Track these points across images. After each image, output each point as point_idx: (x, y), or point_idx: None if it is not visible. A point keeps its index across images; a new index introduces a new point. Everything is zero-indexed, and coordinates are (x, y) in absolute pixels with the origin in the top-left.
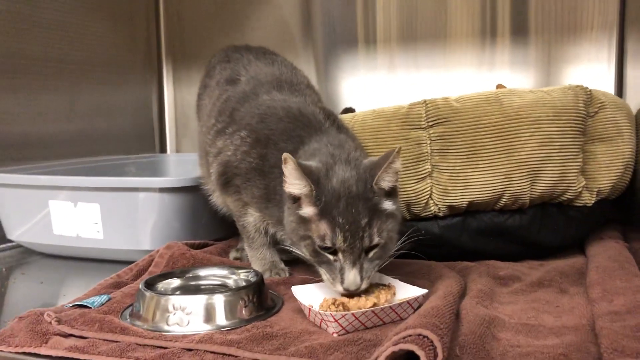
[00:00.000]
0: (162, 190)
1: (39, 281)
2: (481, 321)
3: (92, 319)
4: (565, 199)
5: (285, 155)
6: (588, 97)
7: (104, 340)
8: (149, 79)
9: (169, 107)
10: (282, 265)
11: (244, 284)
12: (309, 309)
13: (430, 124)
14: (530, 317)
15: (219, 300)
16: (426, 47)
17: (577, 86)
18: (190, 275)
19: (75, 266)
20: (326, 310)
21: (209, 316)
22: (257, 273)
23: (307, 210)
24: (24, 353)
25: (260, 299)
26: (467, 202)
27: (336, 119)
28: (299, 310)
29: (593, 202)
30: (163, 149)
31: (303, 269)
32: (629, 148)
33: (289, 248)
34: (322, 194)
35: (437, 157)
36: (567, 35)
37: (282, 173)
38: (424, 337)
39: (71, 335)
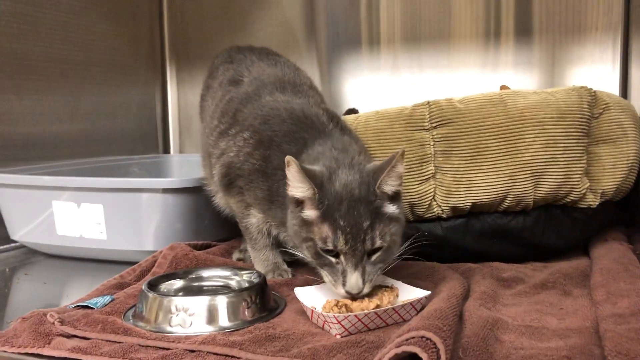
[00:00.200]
0: (166, 191)
1: (42, 282)
2: (484, 323)
3: (95, 320)
4: (569, 200)
5: (288, 158)
6: (592, 99)
7: (107, 341)
8: (153, 80)
9: (172, 108)
10: (285, 266)
11: (246, 285)
12: (312, 310)
13: (433, 125)
14: (534, 319)
15: (221, 301)
16: (430, 48)
17: (582, 87)
18: (193, 276)
19: (78, 267)
20: (329, 312)
21: (211, 317)
22: (259, 274)
23: (310, 212)
24: (27, 354)
25: (263, 300)
26: (470, 204)
27: (340, 120)
28: (302, 311)
29: (597, 203)
30: (166, 150)
31: (306, 270)
32: (634, 149)
33: (292, 250)
34: (324, 197)
35: (441, 159)
36: (572, 36)
37: (285, 175)
38: (427, 339)
39: (74, 336)
